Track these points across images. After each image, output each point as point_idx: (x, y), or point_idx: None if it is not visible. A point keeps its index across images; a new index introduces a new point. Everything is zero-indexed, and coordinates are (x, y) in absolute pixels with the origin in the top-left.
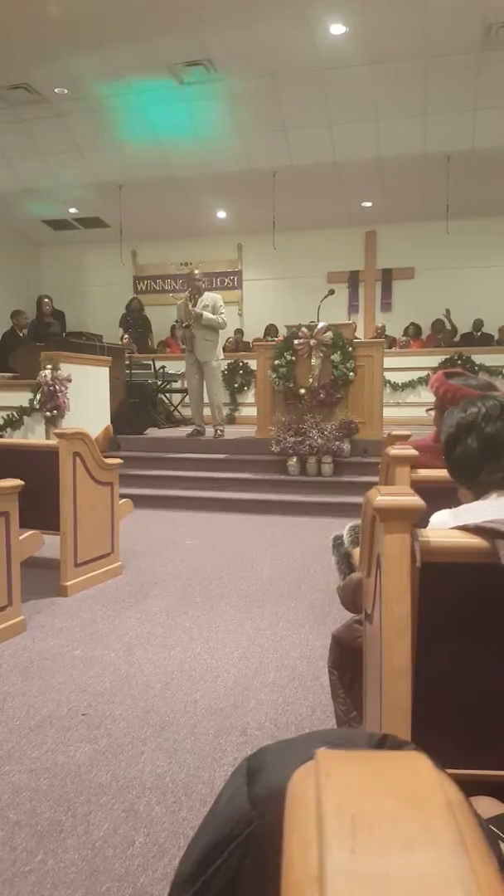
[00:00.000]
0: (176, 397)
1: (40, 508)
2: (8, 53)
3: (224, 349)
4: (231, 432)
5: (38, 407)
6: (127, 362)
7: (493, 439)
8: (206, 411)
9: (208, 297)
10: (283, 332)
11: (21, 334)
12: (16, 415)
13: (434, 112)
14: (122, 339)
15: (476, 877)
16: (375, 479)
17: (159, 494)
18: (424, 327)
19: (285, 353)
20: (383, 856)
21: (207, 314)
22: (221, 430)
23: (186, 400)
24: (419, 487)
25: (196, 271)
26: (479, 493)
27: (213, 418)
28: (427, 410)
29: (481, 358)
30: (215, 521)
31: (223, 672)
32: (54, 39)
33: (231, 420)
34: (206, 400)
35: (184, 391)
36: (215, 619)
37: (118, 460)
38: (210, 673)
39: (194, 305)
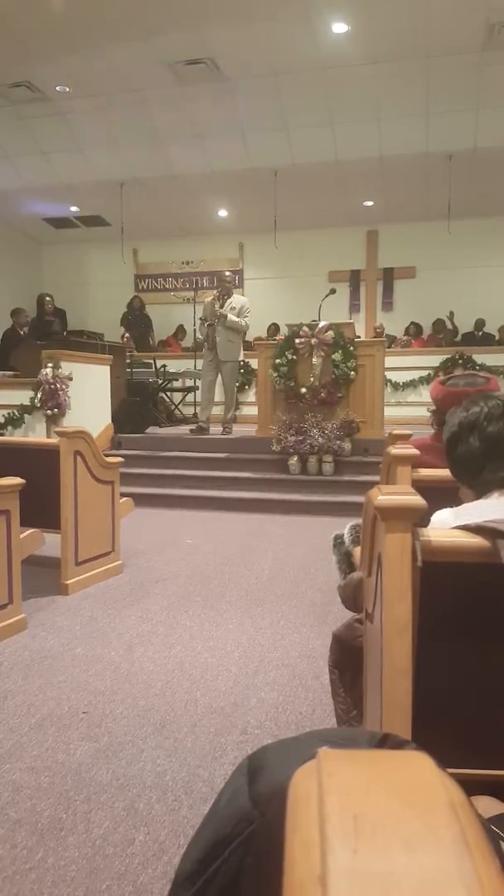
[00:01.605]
0: (177, 396)
1: (41, 507)
2: (9, 51)
3: None
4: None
5: (38, 405)
6: (128, 361)
7: (495, 438)
8: (214, 410)
9: (236, 300)
10: (284, 331)
11: (22, 332)
12: (17, 413)
13: (436, 111)
14: (122, 337)
15: (479, 877)
16: (376, 478)
17: (160, 493)
18: (425, 327)
19: (286, 352)
20: (386, 856)
21: (232, 316)
22: (229, 428)
23: (188, 399)
24: (420, 487)
25: (227, 273)
26: (480, 492)
27: (223, 415)
28: (429, 409)
29: (482, 357)
30: (216, 519)
31: (224, 671)
32: (56, 37)
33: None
34: (217, 398)
35: (184, 390)
36: (216, 618)
37: (119, 459)
38: (210, 671)
39: (221, 306)
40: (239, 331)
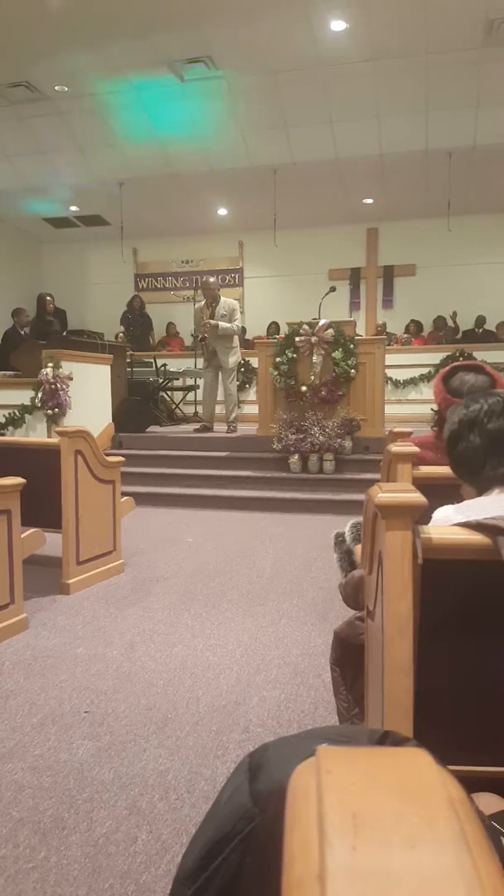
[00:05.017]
0: (178, 395)
1: (42, 506)
2: (8, 51)
3: None
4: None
5: (39, 405)
6: (128, 360)
7: (496, 435)
8: (217, 409)
9: (225, 305)
10: (284, 330)
11: (22, 332)
12: (17, 413)
13: (436, 108)
14: (116, 336)
15: (478, 873)
16: (377, 476)
17: (161, 492)
18: (426, 324)
19: (287, 351)
20: (385, 853)
21: (223, 324)
22: (234, 427)
23: (188, 397)
24: (421, 484)
25: (211, 279)
26: (481, 489)
27: (227, 415)
28: (432, 409)
29: (483, 355)
30: (217, 518)
31: (225, 669)
32: (54, 36)
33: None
34: (220, 398)
35: (185, 389)
36: (217, 617)
37: (120, 458)
38: (212, 670)
39: (211, 314)
40: (232, 335)
